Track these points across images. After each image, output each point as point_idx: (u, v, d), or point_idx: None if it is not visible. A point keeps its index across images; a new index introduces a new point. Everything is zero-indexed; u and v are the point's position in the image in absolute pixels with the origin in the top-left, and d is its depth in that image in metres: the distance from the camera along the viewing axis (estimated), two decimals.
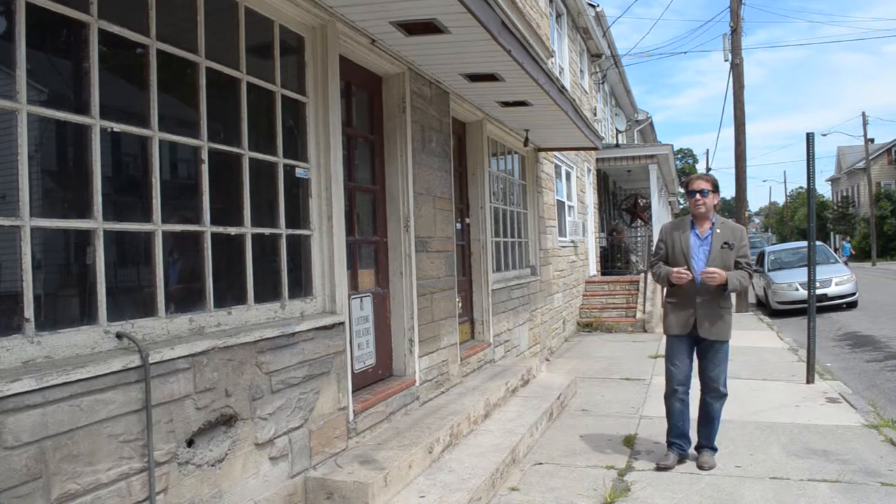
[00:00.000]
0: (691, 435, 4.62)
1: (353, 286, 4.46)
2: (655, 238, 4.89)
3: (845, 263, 27.40)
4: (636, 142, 24.49)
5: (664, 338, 4.64)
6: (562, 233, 11.49)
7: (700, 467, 4.43)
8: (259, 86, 3.50)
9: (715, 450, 4.58)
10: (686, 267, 4.36)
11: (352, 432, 4.02)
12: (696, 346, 4.48)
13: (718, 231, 4.45)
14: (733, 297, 15.18)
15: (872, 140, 47.19)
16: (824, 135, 53.90)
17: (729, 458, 4.63)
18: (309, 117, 3.89)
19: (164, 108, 2.85)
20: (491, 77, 5.36)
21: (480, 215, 6.86)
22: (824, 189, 61.91)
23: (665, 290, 4.62)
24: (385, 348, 4.87)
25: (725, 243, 4.40)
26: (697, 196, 4.45)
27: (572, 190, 12.67)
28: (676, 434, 4.58)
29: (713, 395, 4.49)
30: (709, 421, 4.53)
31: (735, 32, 15.75)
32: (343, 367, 3.92)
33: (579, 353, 9.96)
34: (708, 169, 46.53)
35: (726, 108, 58.23)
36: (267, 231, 3.54)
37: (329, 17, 3.92)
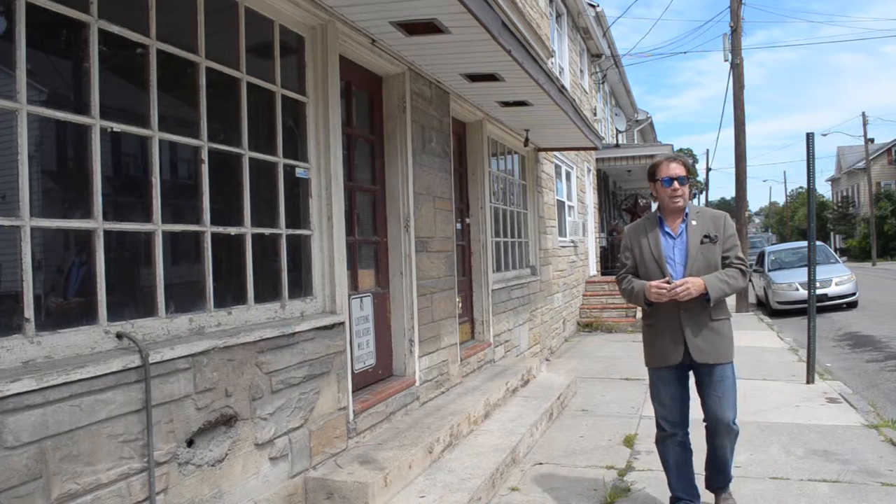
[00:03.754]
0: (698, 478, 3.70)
1: (353, 286, 4.46)
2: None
3: None
4: (636, 142, 24.49)
5: None
6: (562, 233, 11.49)
7: None
8: (259, 86, 3.50)
9: (730, 480, 3.70)
10: (665, 279, 3.36)
11: (352, 432, 4.02)
12: (693, 372, 3.54)
13: (694, 223, 3.46)
14: (732, 298, 15.22)
15: (872, 140, 47.18)
16: (824, 135, 53.94)
17: None
18: (309, 117, 3.89)
19: (164, 108, 2.85)
20: (491, 77, 5.36)
21: (480, 215, 6.86)
22: (824, 189, 61.99)
23: (641, 308, 3.62)
24: (385, 348, 4.87)
25: (706, 236, 3.42)
26: (675, 185, 3.42)
27: (572, 190, 12.67)
28: (682, 487, 3.62)
29: (722, 436, 3.48)
30: (721, 467, 3.60)
31: (735, 33, 15.75)
32: (343, 367, 3.92)
33: (579, 353, 9.96)
34: (708, 169, 46.45)
35: (726, 109, 58.24)
36: (267, 231, 3.54)
37: (329, 17, 3.92)
